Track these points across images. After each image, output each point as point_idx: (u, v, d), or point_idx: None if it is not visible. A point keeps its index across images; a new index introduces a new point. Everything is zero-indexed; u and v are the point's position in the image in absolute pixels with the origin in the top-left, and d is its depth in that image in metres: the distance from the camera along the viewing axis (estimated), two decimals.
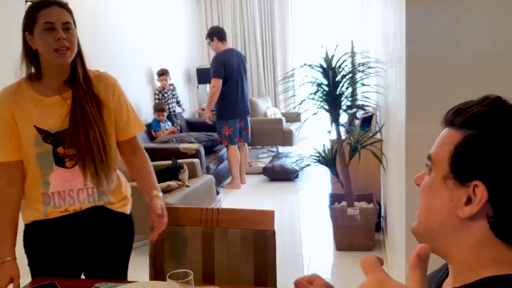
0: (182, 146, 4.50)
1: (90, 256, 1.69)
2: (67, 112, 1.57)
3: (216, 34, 5.10)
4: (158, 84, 5.78)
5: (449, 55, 1.66)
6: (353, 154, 3.34)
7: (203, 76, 6.68)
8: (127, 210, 1.76)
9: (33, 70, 1.59)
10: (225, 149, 5.32)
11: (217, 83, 5.01)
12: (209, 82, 6.71)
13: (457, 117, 0.78)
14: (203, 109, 6.78)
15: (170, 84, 5.82)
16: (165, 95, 5.79)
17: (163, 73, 5.70)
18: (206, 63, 7.17)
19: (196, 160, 4.19)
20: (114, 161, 1.69)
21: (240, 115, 5.20)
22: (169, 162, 3.91)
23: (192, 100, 6.97)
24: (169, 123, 5.55)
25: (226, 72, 5.01)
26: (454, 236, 0.76)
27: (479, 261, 0.74)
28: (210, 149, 5.20)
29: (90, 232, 1.68)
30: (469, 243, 0.75)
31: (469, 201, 0.73)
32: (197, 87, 6.88)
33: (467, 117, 0.76)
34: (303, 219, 4.38)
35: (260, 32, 7.19)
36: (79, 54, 1.60)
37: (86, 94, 1.58)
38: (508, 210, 0.71)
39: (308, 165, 3.56)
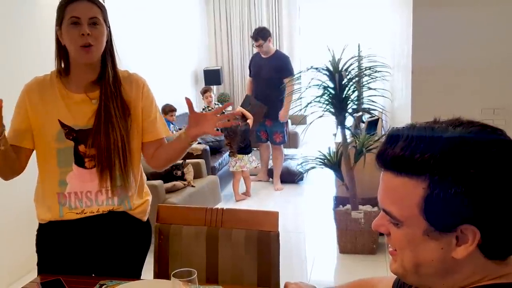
0: None
1: (103, 261, 1.63)
2: (93, 112, 1.54)
3: (270, 35, 5.12)
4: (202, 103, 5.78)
5: (455, 61, 1.66)
6: (358, 158, 3.34)
7: (210, 77, 6.70)
8: (145, 217, 1.70)
9: (63, 66, 1.57)
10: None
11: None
12: (218, 83, 6.78)
13: (403, 163, 0.72)
14: (209, 110, 6.81)
15: (216, 103, 5.76)
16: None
17: (206, 90, 5.68)
18: (214, 65, 7.19)
19: (201, 161, 4.22)
20: (136, 167, 1.65)
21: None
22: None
23: (199, 102, 6.99)
24: (173, 124, 5.55)
25: None
26: (450, 276, 0.75)
27: (472, 282, 0.75)
28: (217, 150, 5.22)
29: (105, 238, 1.62)
30: (464, 276, 0.74)
31: (457, 238, 0.71)
32: None
33: (419, 163, 0.70)
34: (307, 222, 4.39)
35: None
36: (110, 53, 1.57)
37: (113, 95, 1.54)
38: (498, 233, 0.70)
39: (313, 167, 3.56)
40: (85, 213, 1.58)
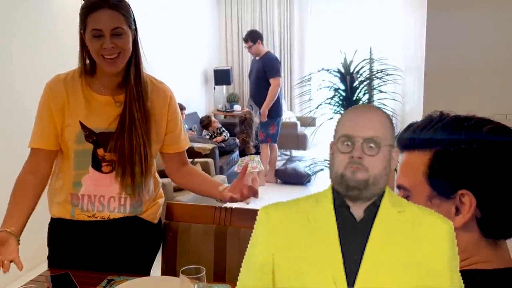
0: (197, 145, 4.54)
1: (113, 260, 1.60)
2: (116, 115, 1.50)
3: (260, 37, 5.31)
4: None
5: (468, 64, 1.65)
6: None
7: (220, 77, 6.72)
8: (155, 219, 1.68)
9: (89, 66, 1.53)
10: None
11: (280, 81, 5.21)
12: (227, 83, 6.80)
13: (414, 141, 0.82)
14: (218, 110, 6.82)
15: (218, 128, 5.52)
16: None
17: (208, 123, 5.46)
18: (224, 64, 7.21)
19: (210, 160, 4.23)
20: (153, 172, 1.64)
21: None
22: None
23: (208, 101, 7.01)
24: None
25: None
26: None
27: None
28: (225, 151, 5.22)
29: (115, 239, 1.60)
30: (460, 249, 0.77)
31: (457, 210, 0.78)
32: (214, 88, 6.92)
33: (427, 137, 0.80)
34: None
35: (279, 36, 7.20)
36: (136, 55, 1.52)
37: (135, 98, 1.50)
38: (495, 208, 0.77)
39: (322, 169, 3.56)
40: (96, 217, 1.56)
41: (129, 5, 1.50)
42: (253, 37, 5.26)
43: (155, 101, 1.57)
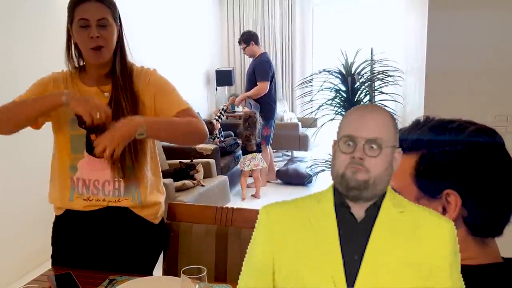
0: (198, 146, 4.55)
1: (114, 259, 1.62)
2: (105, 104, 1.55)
3: (253, 38, 5.27)
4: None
5: (469, 66, 1.66)
6: None
7: (222, 78, 6.73)
8: (156, 219, 1.69)
9: (75, 61, 1.60)
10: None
11: (266, 86, 5.15)
12: (229, 84, 6.81)
13: (402, 143, 0.82)
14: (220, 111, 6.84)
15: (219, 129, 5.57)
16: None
17: (213, 127, 5.44)
18: (226, 65, 7.22)
19: (211, 161, 4.24)
20: (150, 159, 1.65)
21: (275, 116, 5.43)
22: (186, 161, 3.96)
23: (210, 102, 7.02)
24: None
25: (271, 74, 5.23)
26: None
27: None
28: (227, 151, 5.23)
29: (116, 237, 1.63)
30: None
31: (444, 210, 0.80)
32: (216, 89, 6.93)
33: (413, 141, 0.83)
34: None
35: (280, 37, 7.22)
36: (121, 48, 1.60)
37: (122, 88, 1.57)
38: (480, 207, 0.79)
39: (323, 170, 3.57)
40: (90, 200, 1.59)
41: (115, 3, 1.57)
42: (246, 38, 5.27)
43: (137, 84, 1.61)
